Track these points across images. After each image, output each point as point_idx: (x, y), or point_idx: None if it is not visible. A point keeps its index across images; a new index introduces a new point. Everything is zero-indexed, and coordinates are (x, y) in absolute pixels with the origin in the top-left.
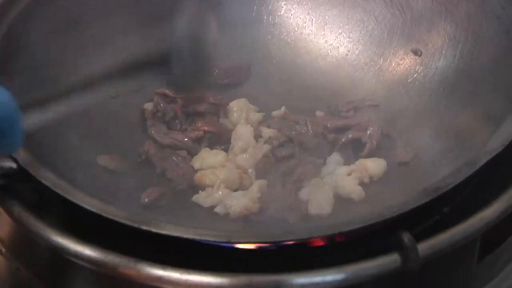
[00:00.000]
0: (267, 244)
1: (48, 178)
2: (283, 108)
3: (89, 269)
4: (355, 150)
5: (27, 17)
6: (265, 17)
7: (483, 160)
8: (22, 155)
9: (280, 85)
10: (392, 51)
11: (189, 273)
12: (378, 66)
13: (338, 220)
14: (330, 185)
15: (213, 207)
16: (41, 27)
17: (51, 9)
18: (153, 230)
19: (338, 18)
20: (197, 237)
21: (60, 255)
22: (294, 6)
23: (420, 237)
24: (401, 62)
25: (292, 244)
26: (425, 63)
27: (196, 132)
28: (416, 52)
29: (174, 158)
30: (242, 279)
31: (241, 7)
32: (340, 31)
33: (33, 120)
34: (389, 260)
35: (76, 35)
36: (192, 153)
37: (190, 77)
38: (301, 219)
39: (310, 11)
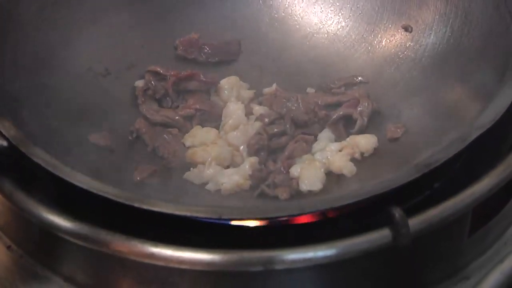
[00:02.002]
0: (259, 221)
1: (39, 155)
2: (274, 85)
3: (81, 246)
4: (346, 126)
5: None
6: None
7: (474, 135)
8: (12, 132)
9: (271, 62)
10: (383, 28)
11: (180, 250)
12: (368, 42)
13: (329, 196)
14: (321, 161)
15: (204, 184)
16: (32, 3)
17: None
18: (145, 207)
19: None
20: (188, 214)
21: (52, 232)
22: None
23: (411, 212)
24: (392, 38)
25: (284, 220)
26: (416, 40)
27: (187, 110)
28: (406, 29)
29: (165, 135)
30: (234, 255)
31: None
32: (330, 8)
33: None
34: (380, 236)
35: (67, 11)
36: (183, 131)
37: None
38: (292, 195)
39: None
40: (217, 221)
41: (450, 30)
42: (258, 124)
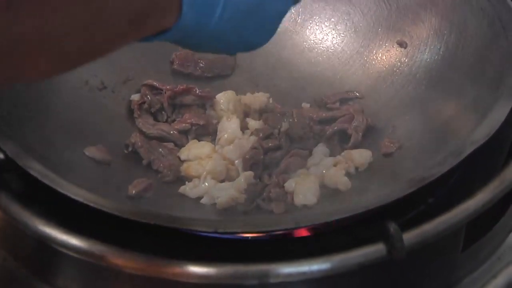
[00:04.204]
0: (254, 234)
1: (35, 168)
2: (270, 100)
3: (76, 258)
4: (341, 141)
5: None
6: None
7: (468, 151)
8: (9, 145)
9: (266, 77)
10: (378, 43)
11: (175, 263)
12: (364, 58)
13: (324, 210)
14: (316, 176)
15: (199, 198)
16: None
17: None
18: (141, 220)
19: (324, 10)
20: (184, 227)
21: (47, 245)
22: None
23: (405, 226)
24: (387, 54)
25: (279, 234)
26: (411, 55)
27: (183, 124)
28: (401, 44)
29: (160, 149)
30: (229, 269)
31: None
32: (326, 23)
33: None
34: (375, 250)
35: None
36: (179, 145)
37: None
38: (287, 209)
39: None
40: (212, 234)
41: (445, 46)
42: (253, 139)
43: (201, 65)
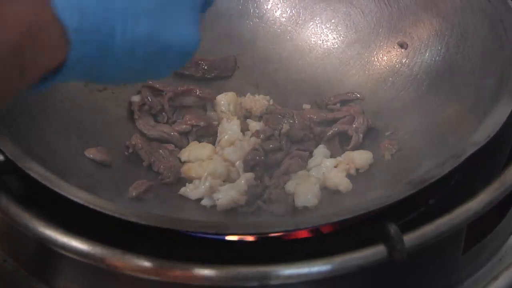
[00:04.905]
0: (254, 236)
1: (35, 170)
2: (270, 101)
3: (76, 260)
4: (341, 142)
5: None
6: (251, 10)
7: (468, 152)
8: (9, 147)
9: (267, 78)
10: (379, 44)
11: (176, 265)
12: (364, 59)
13: (324, 211)
14: (316, 177)
15: (200, 199)
16: None
17: None
18: (141, 222)
19: (325, 12)
20: (184, 229)
21: (47, 247)
22: (281, 0)
23: (406, 228)
24: (388, 55)
25: (279, 235)
26: (411, 56)
27: (184, 126)
28: (402, 45)
29: (161, 151)
30: (229, 270)
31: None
32: (327, 24)
33: None
34: (375, 251)
35: None
36: (179, 146)
37: None
38: (287, 211)
39: (296, 5)
40: (212, 236)
41: (446, 48)
42: (254, 140)
43: (202, 66)
